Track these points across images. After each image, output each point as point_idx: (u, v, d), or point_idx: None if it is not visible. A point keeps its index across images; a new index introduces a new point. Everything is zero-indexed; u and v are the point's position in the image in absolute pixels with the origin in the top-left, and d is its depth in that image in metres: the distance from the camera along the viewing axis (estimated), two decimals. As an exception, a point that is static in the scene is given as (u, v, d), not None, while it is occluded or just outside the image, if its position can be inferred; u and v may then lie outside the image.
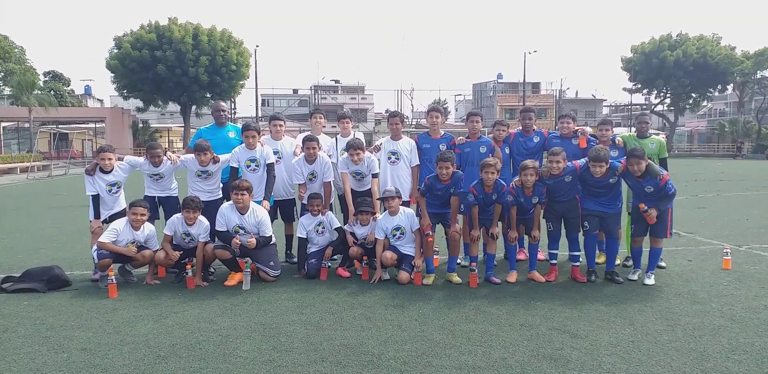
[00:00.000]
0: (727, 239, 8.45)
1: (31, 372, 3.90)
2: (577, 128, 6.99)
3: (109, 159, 6.53)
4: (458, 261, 6.66)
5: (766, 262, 6.53)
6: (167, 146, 50.05)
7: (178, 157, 6.87)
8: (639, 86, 56.88)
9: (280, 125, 7.24)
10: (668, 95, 56.20)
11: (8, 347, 4.39)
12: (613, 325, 4.80)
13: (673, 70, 51.24)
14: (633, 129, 7.56)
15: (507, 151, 7.06)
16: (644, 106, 65.89)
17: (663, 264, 6.84)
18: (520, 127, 7.31)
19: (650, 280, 6.10)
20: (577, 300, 5.56)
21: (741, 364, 3.96)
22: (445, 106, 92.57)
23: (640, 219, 6.17)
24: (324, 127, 7.57)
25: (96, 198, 6.57)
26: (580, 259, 6.43)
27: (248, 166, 6.78)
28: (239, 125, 7.58)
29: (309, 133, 7.21)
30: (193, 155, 6.63)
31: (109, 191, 6.59)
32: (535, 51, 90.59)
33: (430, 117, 7.11)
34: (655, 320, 4.94)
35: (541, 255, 7.02)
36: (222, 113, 7.33)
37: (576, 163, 6.18)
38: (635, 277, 6.25)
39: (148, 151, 6.76)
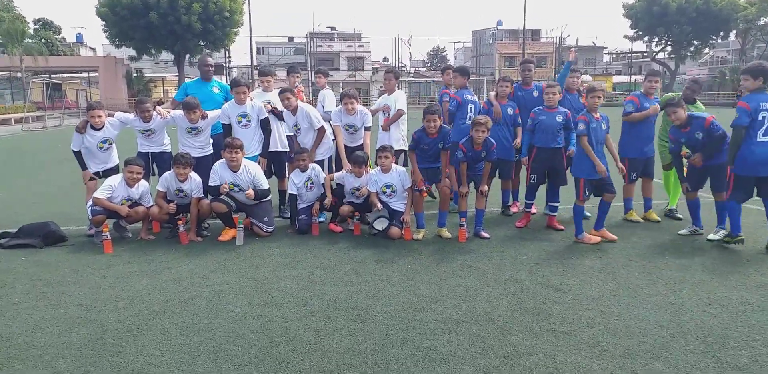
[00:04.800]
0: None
1: (30, 327, 4.03)
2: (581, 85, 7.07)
3: (99, 116, 6.50)
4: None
5: (754, 216, 6.60)
6: (162, 96, 49.48)
7: (168, 111, 6.84)
8: (640, 33, 55.83)
9: (268, 81, 7.24)
10: (669, 43, 55.23)
11: (6, 302, 4.51)
12: (596, 280, 4.93)
13: (675, 16, 50.18)
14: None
15: (510, 111, 7.01)
16: (645, 54, 64.82)
17: (680, 215, 7.02)
18: (520, 80, 7.29)
19: (715, 236, 5.91)
20: (564, 254, 5.68)
21: (716, 318, 4.09)
22: (444, 53, 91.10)
23: (692, 172, 6.18)
24: (272, 85, 7.46)
25: (79, 154, 6.61)
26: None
27: (239, 122, 6.76)
28: (235, 73, 7.59)
29: (282, 86, 7.19)
30: (182, 112, 6.60)
31: (101, 148, 6.60)
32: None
33: (447, 74, 7.69)
34: (638, 274, 5.06)
35: (515, 208, 7.44)
36: (209, 68, 7.25)
37: (569, 113, 6.43)
38: (715, 236, 5.92)
39: (137, 106, 6.73)
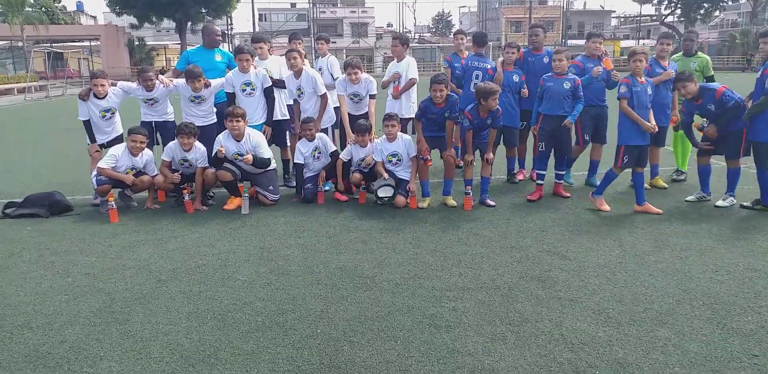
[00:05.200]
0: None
1: (38, 296, 4.06)
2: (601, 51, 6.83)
3: (102, 85, 6.43)
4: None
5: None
6: (165, 65, 49.02)
7: (171, 80, 6.76)
8: (650, -4, 54.57)
9: (261, 48, 7.16)
10: (679, 5, 53.99)
11: (14, 272, 4.54)
12: (602, 247, 4.92)
13: (687, -22, 48.98)
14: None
15: (516, 78, 6.90)
16: (654, 18, 63.48)
17: (683, 177, 7.07)
18: (530, 46, 7.15)
19: (723, 202, 5.97)
20: (570, 222, 5.66)
21: (723, 285, 4.08)
22: (449, 18, 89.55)
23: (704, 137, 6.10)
24: (266, 52, 7.29)
25: (88, 123, 6.55)
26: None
27: (243, 90, 6.68)
28: (237, 41, 7.51)
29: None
30: (185, 81, 6.51)
31: (103, 117, 6.54)
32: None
33: (456, 39, 7.85)
34: (644, 241, 5.04)
35: (521, 176, 7.42)
36: (217, 37, 7.21)
37: (578, 80, 6.27)
38: (723, 203, 5.99)
39: (139, 75, 6.65)
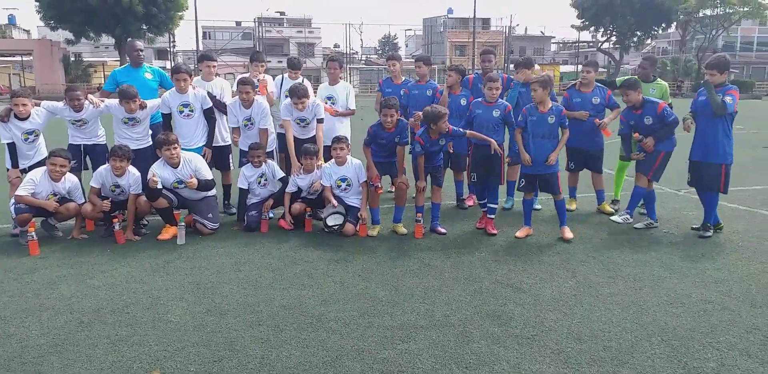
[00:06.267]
0: (667, 182, 8.39)
1: (-63, 345, 3.58)
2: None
3: (24, 105, 5.92)
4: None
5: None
6: (103, 82, 47.38)
7: (102, 100, 6.33)
8: (587, 23, 56.86)
9: (213, 66, 6.73)
10: (614, 33, 56.50)
11: None
12: (556, 278, 4.78)
13: (620, 7, 51.44)
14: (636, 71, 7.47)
15: (463, 102, 6.73)
16: (591, 44, 66.12)
17: (616, 206, 7.04)
18: (480, 71, 7.08)
19: (617, 218, 6.28)
20: (521, 251, 5.52)
21: (679, 318, 3.99)
22: (395, 41, 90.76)
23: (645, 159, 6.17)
24: (214, 72, 6.84)
25: (12, 147, 6.02)
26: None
27: (181, 112, 6.32)
28: (180, 59, 7.07)
29: (245, 75, 6.73)
30: (117, 102, 6.10)
31: (26, 140, 6.03)
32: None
33: (390, 65, 7.46)
34: (597, 271, 4.94)
35: (470, 201, 7.22)
36: (139, 53, 6.65)
37: (509, 107, 6.09)
38: (617, 218, 6.41)
39: (66, 94, 6.17)
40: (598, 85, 6.81)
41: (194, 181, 5.85)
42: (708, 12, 54.13)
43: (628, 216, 6.23)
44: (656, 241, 5.82)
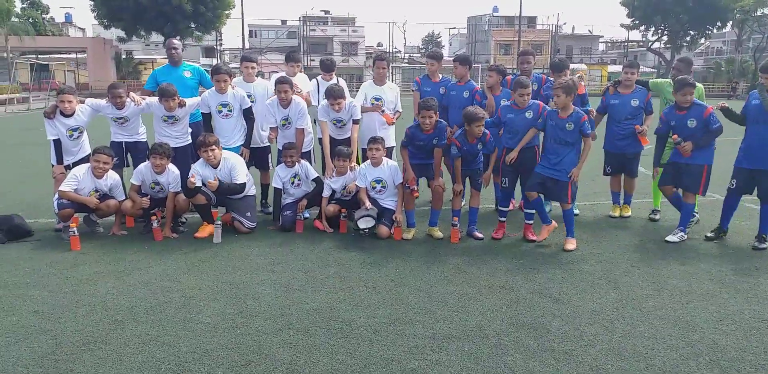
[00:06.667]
0: (717, 189, 8.05)
1: (-24, 339, 3.65)
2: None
3: (69, 101, 6.04)
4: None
5: (757, 217, 6.26)
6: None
7: (143, 98, 6.40)
8: (636, 22, 55.37)
9: (252, 67, 6.70)
10: (666, 32, 54.84)
11: (-45, 308, 4.12)
12: (597, 289, 4.59)
13: (672, 5, 49.88)
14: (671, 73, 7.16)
15: (504, 102, 6.53)
16: (641, 43, 64.41)
17: (657, 216, 6.72)
18: (520, 73, 6.87)
19: (673, 237, 5.83)
20: (561, 259, 5.33)
21: (729, 337, 3.76)
22: (438, 39, 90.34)
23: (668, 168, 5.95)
24: (254, 73, 6.76)
25: (58, 143, 6.15)
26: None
27: (219, 112, 6.35)
28: (227, 57, 7.07)
29: (283, 74, 6.71)
30: (158, 99, 6.16)
31: (70, 136, 6.15)
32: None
33: (429, 64, 6.98)
34: (642, 283, 4.72)
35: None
36: (174, 51, 6.73)
37: (541, 105, 5.84)
38: (673, 238, 5.85)
39: (109, 92, 6.25)
40: (639, 86, 6.58)
41: (214, 182, 5.81)
42: (767, 10, 52.00)
43: (683, 234, 5.86)
44: (706, 252, 5.54)
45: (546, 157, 5.68)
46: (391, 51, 62.29)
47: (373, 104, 6.70)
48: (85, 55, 48.05)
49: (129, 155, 6.51)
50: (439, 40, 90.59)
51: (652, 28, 55.40)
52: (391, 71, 50.44)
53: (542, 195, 5.82)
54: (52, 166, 6.23)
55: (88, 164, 5.92)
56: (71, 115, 6.11)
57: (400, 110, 6.95)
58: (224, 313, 4.05)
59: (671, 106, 5.93)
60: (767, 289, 4.58)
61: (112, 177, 5.96)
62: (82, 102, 6.26)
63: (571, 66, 6.86)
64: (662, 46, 58.50)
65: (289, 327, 3.84)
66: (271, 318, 3.99)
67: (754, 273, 4.96)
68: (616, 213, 6.83)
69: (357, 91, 7.16)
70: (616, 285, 4.67)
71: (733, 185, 5.83)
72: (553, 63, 6.88)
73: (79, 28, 68.71)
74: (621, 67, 7.83)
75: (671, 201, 6.13)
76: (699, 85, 6.63)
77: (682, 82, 5.71)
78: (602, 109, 6.66)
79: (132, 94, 6.34)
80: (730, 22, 53.86)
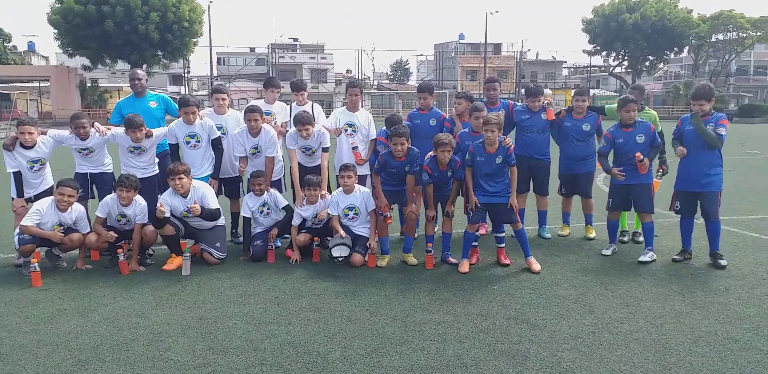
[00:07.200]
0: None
1: (-72, 385, 3.45)
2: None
3: (30, 133, 5.89)
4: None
5: (729, 238, 6.39)
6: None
7: (108, 128, 6.29)
8: (598, 48, 57.12)
9: (224, 99, 6.63)
10: (626, 58, 56.65)
11: None
12: (573, 313, 4.58)
13: (632, 32, 51.73)
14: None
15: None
16: (603, 69, 66.31)
17: (626, 238, 6.83)
18: (486, 99, 6.96)
19: (645, 257, 5.91)
20: (535, 283, 5.32)
21: (704, 358, 3.77)
22: (407, 66, 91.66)
23: (616, 191, 6.13)
24: (225, 105, 6.66)
25: (18, 176, 5.97)
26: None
27: (187, 143, 6.26)
28: (194, 84, 6.97)
29: (254, 102, 6.66)
30: (123, 130, 6.05)
31: (31, 168, 5.98)
32: (497, 11, 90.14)
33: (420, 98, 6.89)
34: (616, 306, 4.73)
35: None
36: (138, 82, 6.62)
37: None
38: (645, 258, 5.92)
39: (72, 122, 6.10)
40: (591, 112, 6.77)
41: (197, 206, 5.74)
42: (720, 36, 54.21)
43: (653, 253, 5.96)
44: (677, 273, 5.60)
45: (481, 188, 5.66)
46: (360, 77, 62.83)
47: (346, 130, 6.64)
48: (48, 83, 47.32)
49: (94, 186, 6.35)
50: (407, 66, 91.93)
51: (613, 54, 57.20)
52: (362, 98, 50.93)
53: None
54: (12, 199, 6.03)
55: (51, 197, 5.74)
56: (32, 147, 5.95)
57: (373, 137, 6.76)
58: (194, 350, 3.92)
59: (616, 125, 6.13)
60: (737, 309, 4.63)
61: (76, 209, 5.79)
62: (44, 133, 6.10)
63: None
64: (623, 70, 60.33)
65: (262, 363, 3.72)
66: (243, 353, 3.86)
67: (724, 294, 5.01)
68: (565, 233, 7.01)
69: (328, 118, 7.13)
70: (591, 309, 4.67)
71: (678, 207, 6.02)
72: (528, 88, 7.00)
73: (43, 56, 67.83)
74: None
75: (609, 227, 6.33)
76: (653, 112, 6.82)
77: (624, 100, 6.02)
78: (555, 132, 6.85)
79: (97, 124, 6.21)
80: (687, 48, 56.01)
